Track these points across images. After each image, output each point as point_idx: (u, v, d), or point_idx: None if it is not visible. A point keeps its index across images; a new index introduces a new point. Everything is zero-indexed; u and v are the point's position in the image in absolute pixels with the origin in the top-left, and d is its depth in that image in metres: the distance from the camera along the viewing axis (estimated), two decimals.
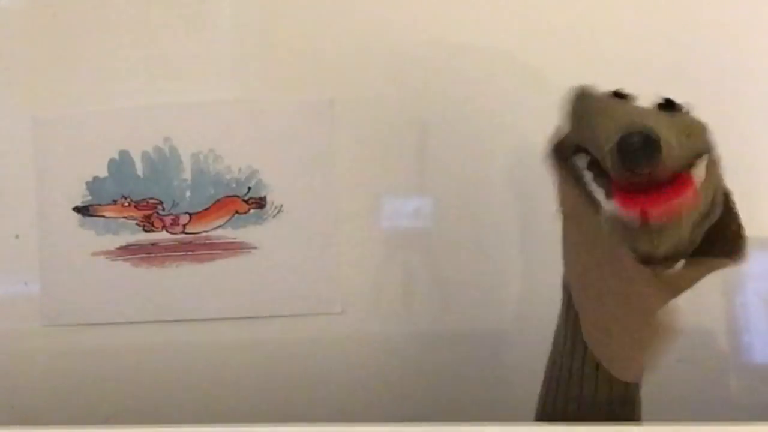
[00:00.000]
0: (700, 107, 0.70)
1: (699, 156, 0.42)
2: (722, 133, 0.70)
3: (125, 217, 0.73)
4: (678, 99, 0.45)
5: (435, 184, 0.72)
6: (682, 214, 0.40)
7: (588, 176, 0.44)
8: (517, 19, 0.71)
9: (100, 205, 0.74)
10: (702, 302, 0.69)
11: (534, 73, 0.71)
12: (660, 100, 0.45)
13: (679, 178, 0.40)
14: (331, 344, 0.72)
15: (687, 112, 0.45)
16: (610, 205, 0.41)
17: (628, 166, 0.39)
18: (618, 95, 0.45)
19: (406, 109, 0.72)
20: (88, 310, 0.73)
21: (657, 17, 0.70)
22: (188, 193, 0.73)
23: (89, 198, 0.74)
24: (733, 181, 0.69)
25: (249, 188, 0.72)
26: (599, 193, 0.43)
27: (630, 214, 0.40)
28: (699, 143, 0.43)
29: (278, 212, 0.72)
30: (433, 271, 0.71)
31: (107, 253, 0.73)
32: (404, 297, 0.71)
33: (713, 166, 0.44)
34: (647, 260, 0.42)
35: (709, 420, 0.44)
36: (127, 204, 0.73)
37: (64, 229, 0.74)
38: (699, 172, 0.42)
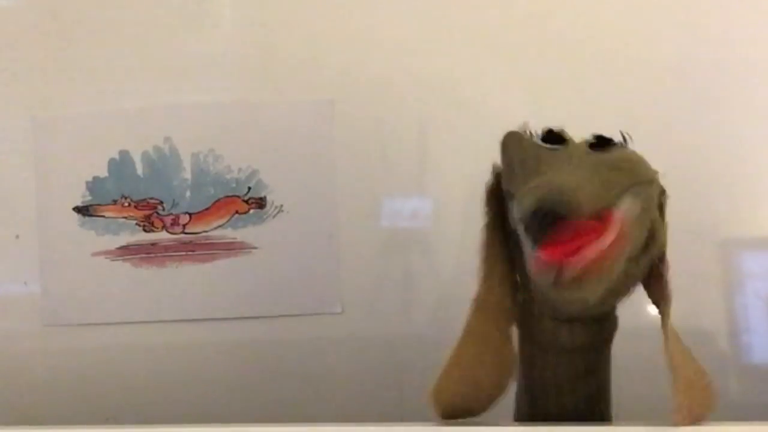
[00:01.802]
0: (700, 107, 0.70)
1: (629, 189, 0.41)
2: (722, 134, 0.70)
3: (125, 217, 0.73)
4: (613, 135, 0.44)
5: (435, 184, 0.72)
6: (603, 261, 0.38)
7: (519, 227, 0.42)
8: (517, 19, 0.71)
9: (100, 205, 0.74)
10: (702, 302, 0.69)
11: (534, 73, 0.71)
12: (592, 139, 0.43)
13: (601, 219, 0.38)
14: (331, 344, 0.72)
15: (621, 146, 0.44)
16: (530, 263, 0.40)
17: (536, 242, 0.38)
18: (551, 137, 0.43)
19: (406, 109, 0.72)
20: (88, 310, 0.73)
21: (657, 17, 0.70)
22: (188, 193, 0.73)
23: (89, 198, 0.74)
24: (734, 181, 0.70)
25: (249, 188, 0.72)
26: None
27: (544, 272, 0.38)
28: (630, 178, 0.41)
29: (278, 212, 0.72)
30: (433, 271, 0.71)
31: (107, 253, 0.73)
32: (404, 297, 0.71)
33: (649, 200, 0.43)
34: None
35: (709, 420, 0.44)
36: (127, 204, 0.73)
37: (64, 229, 0.74)
38: (631, 207, 0.40)
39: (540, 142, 0.43)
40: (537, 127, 0.44)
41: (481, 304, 0.46)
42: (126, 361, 0.73)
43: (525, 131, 0.44)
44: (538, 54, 0.71)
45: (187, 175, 0.73)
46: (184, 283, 0.73)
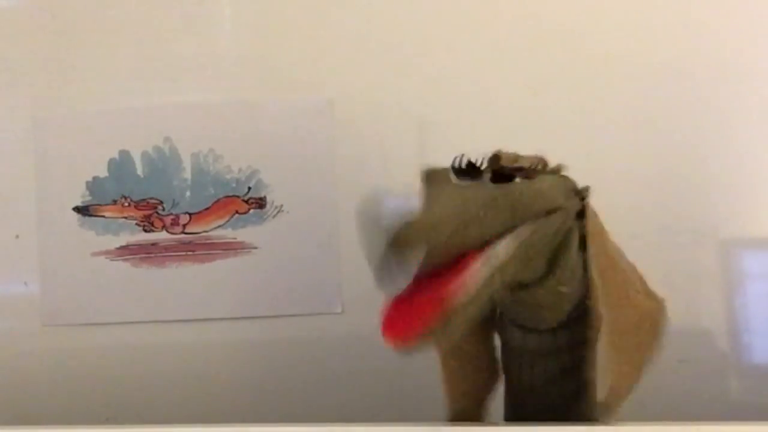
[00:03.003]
0: (700, 107, 0.70)
1: (510, 229, 0.40)
2: (722, 134, 0.70)
3: (125, 217, 0.73)
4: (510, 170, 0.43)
5: None
6: (432, 323, 0.38)
7: None
8: (517, 19, 0.71)
9: (100, 205, 0.74)
10: (702, 302, 0.69)
11: (534, 73, 0.71)
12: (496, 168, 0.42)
13: (457, 262, 0.38)
14: (331, 344, 0.72)
15: (532, 178, 0.43)
16: None
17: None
18: (461, 171, 0.43)
19: (406, 109, 0.72)
20: (88, 310, 0.73)
21: (657, 17, 0.70)
22: (188, 193, 0.73)
23: (89, 198, 0.74)
24: (734, 181, 0.70)
25: (249, 188, 0.72)
26: None
27: (386, 341, 0.39)
28: (513, 216, 0.40)
29: (278, 212, 0.72)
30: None
31: (107, 253, 0.73)
32: None
33: (541, 234, 0.42)
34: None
35: (709, 420, 0.44)
36: (127, 204, 0.73)
37: (64, 229, 0.74)
38: (503, 248, 0.40)
39: (452, 176, 0.44)
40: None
41: None
42: (126, 361, 0.73)
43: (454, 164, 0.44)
44: (538, 54, 0.71)
45: (187, 175, 0.73)
46: (184, 283, 0.73)
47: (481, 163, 0.43)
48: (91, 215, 0.74)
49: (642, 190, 0.69)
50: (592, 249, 0.45)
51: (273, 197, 0.72)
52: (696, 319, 0.68)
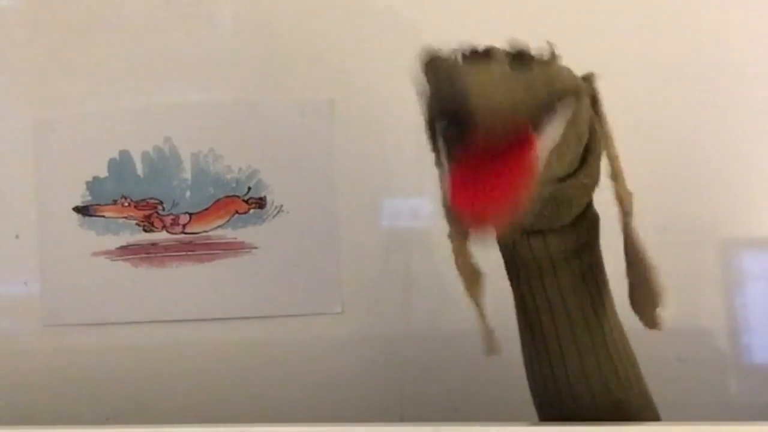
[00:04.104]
0: (700, 107, 0.70)
1: (554, 105, 0.38)
2: (722, 134, 0.70)
3: (125, 217, 0.73)
4: (541, 49, 0.40)
5: (435, 184, 0.72)
6: (518, 203, 0.35)
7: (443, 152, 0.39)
8: (517, 18, 0.71)
9: (100, 205, 0.74)
10: (702, 302, 0.69)
11: None
12: (514, 51, 0.39)
13: (518, 143, 0.35)
14: (331, 344, 0.72)
15: (548, 61, 0.40)
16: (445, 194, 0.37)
17: (448, 159, 0.36)
18: (473, 54, 0.39)
19: (406, 109, 0.72)
20: (88, 310, 0.73)
21: (657, 17, 0.70)
22: (188, 193, 0.73)
23: (89, 198, 0.74)
24: (734, 181, 0.70)
25: (249, 188, 0.72)
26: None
27: (461, 213, 0.36)
28: (552, 92, 0.38)
29: (278, 212, 0.72)
30: (433, 271, 0.71)
31: (107, 253, 0.73)
32: (404, 297, 0.71)
33: (577, 112, 0.40)
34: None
35: (709, 420, 0.44)
36: (127, 204, 0.73)
37: (64, 229, 0.74)
38: (553, 127, 0.38)
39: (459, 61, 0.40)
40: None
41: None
42: (126, 361, 0.73)
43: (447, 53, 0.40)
44: None
45: (187, 175, 0.73)
46: (184, 283, 0.73)
47: (490, 50, 0.39)
48: (91, 215, 0.74)
49: (642, 190, 0.69)
50: (610, 132, 0.43)
51: (273, 197, 0.72)
52: (696, 319, 0.68)
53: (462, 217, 0.36)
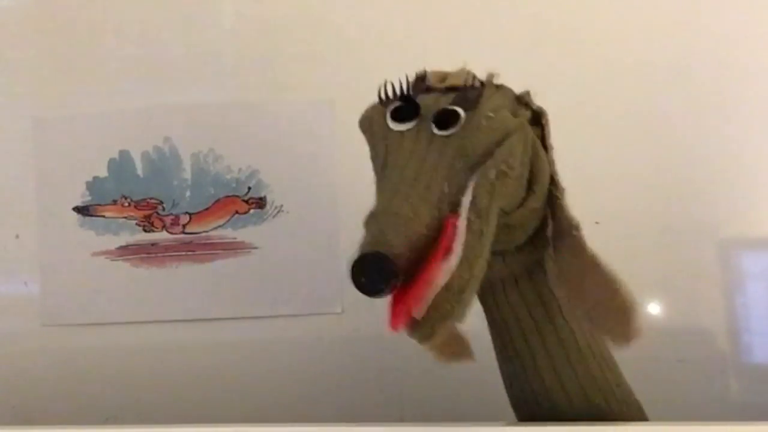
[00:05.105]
0: (700, 107, 0.70)
1: (478, 171, 0.39)
2: (722, 133, 0.70)
3: (125, 217, 0.73)
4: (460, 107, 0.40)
5: None
6: (450, 283, 0.36)
7: None
8: (517, 20, 0.71)
9: (100, 205, 0.74)
10: (702, 302, 0.69)
11: (534, 73, 0.71)
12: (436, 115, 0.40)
13: (440, 232, 0.37)
14: (331, 344, 0.72)
15: (461, 126, 0.40)
16: None
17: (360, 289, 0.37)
18: (405, 108, 0.41)
19: None
20: (88, 310, 0.73)
21: (657, 17, 0.70)
22: (188, 193, 0.73)
23: (89, 198, 0.74)
24: (734, 181, 0.70)
25: (249, 188, 0.72)
26: None
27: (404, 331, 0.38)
28: (477, 155, 0.39)
29: (278, 212, 0.72)
30: None
31: (107, 253, 0.73)
32: None
33: (514, 154, 0.40)
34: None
35: (709, 420, 0.44)
36: (127, 204, 0.73)
37: (64, 229, 0.74)
38: (480, 193, 0.38)
39: (389, 121, 0.42)
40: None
41: None
42: (126, 361, 0.73)
43: (384, 99, 0.43)
44: (538, 54, 0.71)
45: (187, 175, 0.73)
46: (184, 283, 0.73)
47: (416, 101, 0.41)
48: (91, 215, 0.74)
49: (642, 190, 0.69)
50: (551, 155, 0.43)
51: (273, 197, 0.72)
52: (696, 319, 0.68)
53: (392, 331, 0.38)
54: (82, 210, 0.74)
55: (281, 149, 0.72)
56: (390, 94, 0.42)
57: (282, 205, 0.72)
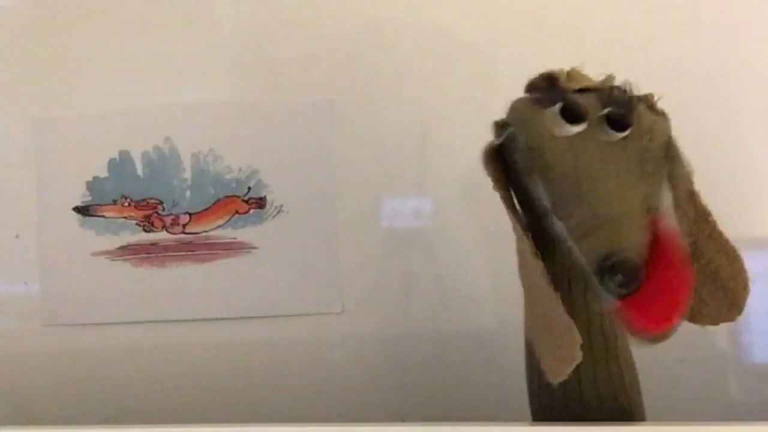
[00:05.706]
0: (700, 107, 0.70)
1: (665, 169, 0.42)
2: (722, 133, 0.70)
3: (125, 217, 0.73)
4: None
5: (435, 184, 0.72)
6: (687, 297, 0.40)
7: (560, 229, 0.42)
8: (517, 19, 0.71)
9: (100, 205, 0.74)
10: None
11: (534, 73, 0.71)
12: (605, 113, 0.42)
13: (660, 245, 0.40)
14: (331, 344, 0.72)
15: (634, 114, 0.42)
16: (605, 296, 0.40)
17: (617, 294, 0.39)
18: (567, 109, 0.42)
19: (406, 109, 0.72)
20: (88, 310, 0.73)
21: (657, 17, 0.70)
22: (188, 193, 0.73)
23: (89, 198, 0.74)
24: (734, 181, 0.70)
25: (249, 188, 0.72)
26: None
27: (626, 322, 0.40)
28: (661, 156, 0.42)
29: (278, 212, 0.72)
30: (433, 271, 0.71)
31: (107, 253, 0.73)
32: (404, 297, 0.71)
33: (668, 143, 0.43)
34: None
35: (709, 420, 0.44)
36: (127, 204, 0.73)
37: (64, 229, 0.74)
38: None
39: (562, 123, 0.42)
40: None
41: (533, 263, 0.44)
42: (126, 361, 0.73)
43: (535, 102, 0.44)
44: (539, 55, 0.70)
45: (187, 175, 0.73)
46: (184, 283, 0.73)
47: (584, 109, 0.41)
48: (91, 215, 0.74)
49: None
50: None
51: (273, 197, 0.72)
52: None
53: (651, 337, 0.40)
54: (82, 210, 0.74)
55: (281, 149, 0.72)
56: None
57: (282, 205, 0.72)
